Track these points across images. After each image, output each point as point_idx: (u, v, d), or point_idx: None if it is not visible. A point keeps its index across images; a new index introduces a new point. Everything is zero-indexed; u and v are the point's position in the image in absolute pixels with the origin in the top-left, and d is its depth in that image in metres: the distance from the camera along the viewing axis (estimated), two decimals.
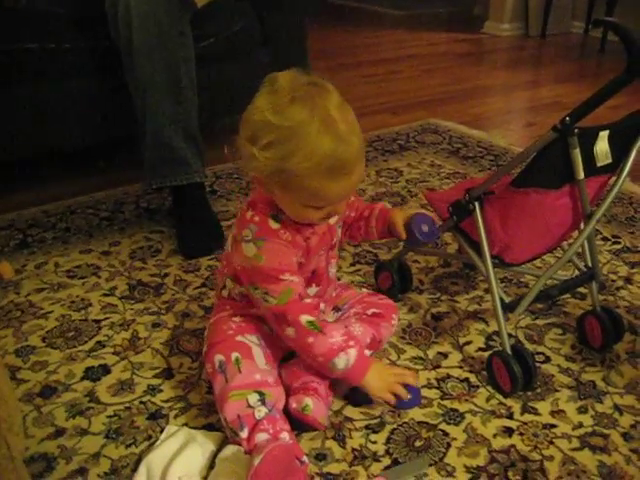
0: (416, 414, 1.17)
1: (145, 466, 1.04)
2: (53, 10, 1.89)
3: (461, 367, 1.29)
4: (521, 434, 1.13)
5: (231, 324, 1.18)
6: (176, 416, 1.17)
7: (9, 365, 1.29)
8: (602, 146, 1.13)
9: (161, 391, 1.23)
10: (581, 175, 1.13)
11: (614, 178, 1.20)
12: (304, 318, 1.09)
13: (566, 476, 1.05)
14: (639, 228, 1.82)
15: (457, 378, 1.26)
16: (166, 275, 1.61)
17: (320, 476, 1.05)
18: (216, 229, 1.76)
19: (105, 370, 1.29)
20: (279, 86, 0.99)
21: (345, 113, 1.00)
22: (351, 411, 1.18)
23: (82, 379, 1.27)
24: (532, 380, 1.21)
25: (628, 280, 1.57)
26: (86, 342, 1.37)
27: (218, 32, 2.06)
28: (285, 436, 1.03)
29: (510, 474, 1.05)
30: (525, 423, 1.15)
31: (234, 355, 1.11)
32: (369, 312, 1.27)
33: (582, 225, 1.24)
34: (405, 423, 1.15)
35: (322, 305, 1.21)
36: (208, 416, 1.16)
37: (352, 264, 1.65)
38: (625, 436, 1.12)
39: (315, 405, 1.11)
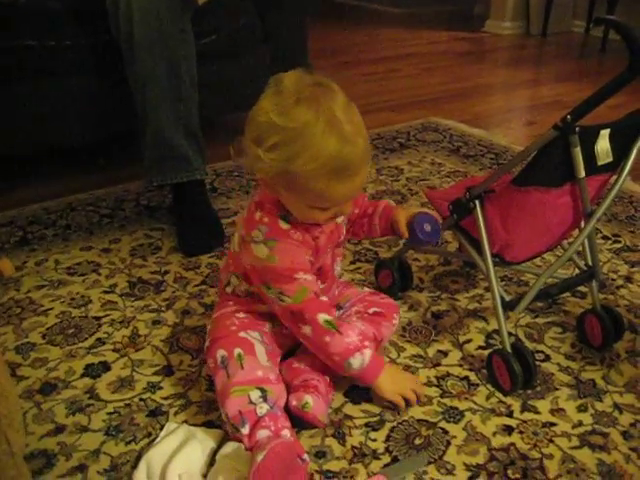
0: (416, 412, 1.17)
1: (145, 463, 1.04)
2: (53, 6, 1.88)
3: (461, 365, 1.29)
4: (521, 432, 1.13)
5: (234, 320, 1.19)
6: (176, 413, 1.17)
7: (9, 362, 1.29)
8: (603, 145, 1.13)
9: (161, 388, 1.23)
10: (582, 174, 1.13)
11: (615, 177, 1.20)
12: (321, 317, 1.10)
13: (565, 474, 1.05)
14: (639, 227, 1.82)
15: (457, 376, 1.26)
16: (166, 272, 1.61)
17: (320, 474, 1.05)
18: (216, 227, 1.76)
19: (105, 367, 1.29)
20: (284, 87, 0.99)
21: (351, 114, 1.01)
22: (351, 409, 1.18)
23: (82, 376, 1.27)
24: (532, 378, 1.21)
25: (628, 279, 1.57)
26: (86, 339, 1.37)
27: (219, 29, 2.06)
28: (286, 433, 1.03)
29: (510, 472, 1.05)
30: (525, 421, 1.15)
31: (237, 351, 1.12)
32: (370, 311, 1.27)
33: (582, 224, 1.24)
34: (405, 421, 1.15)
35: (324, 298, 1.21)
36: (208, 413, 1.16)
37: (352, 262, 1.65)
38: (625, 435, 1.12)
39: (315, 403, 1.11)
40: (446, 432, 1.13)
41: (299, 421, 1.11)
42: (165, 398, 1.21)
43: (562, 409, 1.18)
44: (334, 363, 1.13)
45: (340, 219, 1.17)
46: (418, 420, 1.15)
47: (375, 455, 1.08)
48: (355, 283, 1.51)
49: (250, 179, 2.12)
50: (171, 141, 1.71)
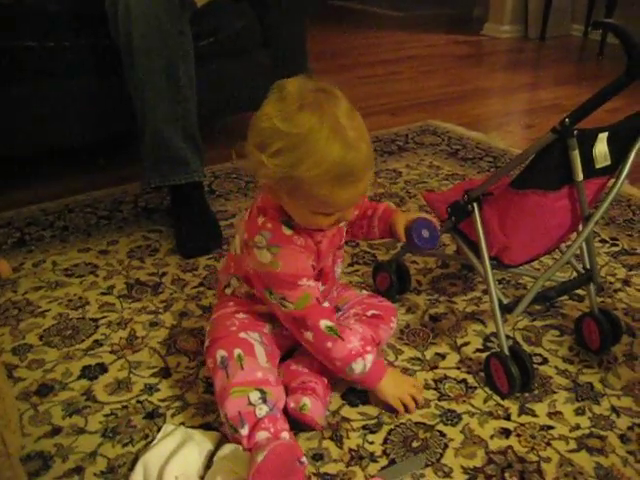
0: (413, 415, 1.17)
1: (142, 465, 1.04)
2: (52, 8, 1.88)
3: (459, 368, 1.29)
4: (518, 435, 1.13)
5: (234, 320, 1.19)
6: (173, 415, 1.17)
7: (6, 363, 1.29)
8: (601, 148, 1.13)
9: (158, 390, 1.23)
10: (580, 177, 1.13)
11: (613, 180, 1.20)
12: (323, 323, 1.10)
13: (563, 477, 1.05)
14: (637, 231, 1.82)
15: (455, 379, 1.26)
16: (164, 274, 1.61)
17: (317, 476, 1.04)
18: (214, 229, 1.76)
19: (102, 369, 1.29)
20: (287, 93, 1.00)
21: (353, 119, 1.01)
22: (348, 411, 1.18)
23: (79, 378, 1.26)
24: (529, 381, 1.20)
25: (626, 282, 1.58)
26: (83, 341, 1.37)
27: (218, 32, 2.06)
28: (286, 436, 1.03)
29: (507, 475, 1.05)
30: (522, 424, 1.15)
31: (236, 351, 1.11)
32: (369, 314, 1.27)
33: (580, 227, 1.24)
34: (402, 424, 1.15)
35: (326, 304, 1.21)
36: (205, 415, 1.16)
37: (350, 264, 1.65)
38: (622, 438, 1.12)
39: (313, 405, 1.11)
40: (444, 435, 1.13)
41: (297, 423, 1.11)
42: (162, 400, 1.20)
43: (560, 412, 1.18)
44: (336, 368, 1.14)
45: (341, 223, 1.17)
46: (416, 423, 1.15)
47: (372, 458, 1.08)
48: (353, 285, 1.51)
49: (248, 181, 2.12)
50: (169, 143, 1.71)
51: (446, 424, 1.15)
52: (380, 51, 4.10)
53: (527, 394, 1.22)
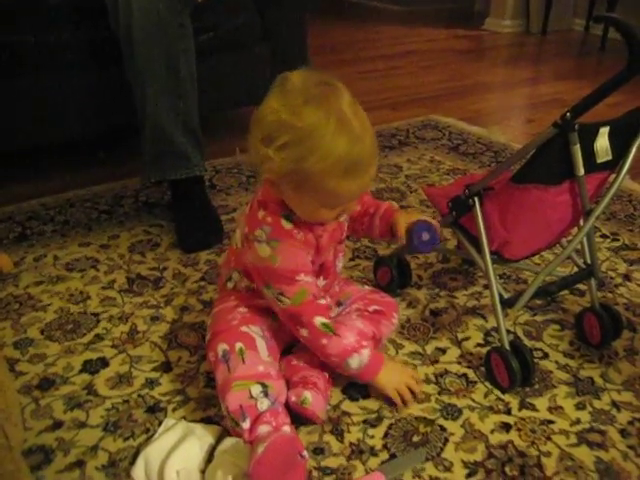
0: (414, 409, 1.17)
1: (143, 459, 1.04)
2: (52, 1, 1.88)
3: (459, 363, 1.29)
4: (519, 430, 1.13)
5: (236, 314, 1.19)
6: (174, 409, 1.17)
7: (7, 357, 1.29)
8: (602, 142, 1.13)
9: (159, 384, 1.23)
10: (581, 171, 1.13)
11: (614, 175, 1.20)
12: (318, 320, 1.10)
13: (563, 472, 1.05)
14: (638, 226, 1.82)
15: (455, 374, 1.26)
16: (165, 269, 1.61)
17: (318, 470, 1.05)
18: (215, 223, 1.76)
19: (103, 363, 1.29)
20: (291, 86, 1.00)
21: (357, 112, 1.02)
22: (349, 406, 1.18)
23: (80, 372, 1.27)
24: (530, 376, 1.21)
25: (627, 277, 1.58)
26: (85, 335, 1.37)
27: (218, 26, 2.06)
28: (287, 429, 1.03)
29: (507, 469, 1.05)
30: (523, 419, 1.15)
31: (238, 345, 1.12)
32: (370, 309, 1.27)
33: (581, 222, 1.24)
34: (403, 418, 1.15)
35: (328, 299, 1.21)
36: (206, 409, 1.16)
37: (351, 259, 1.65)
38: (622, 432, 1.13)
39: (314, 399, 1.11)
40: (444, 429, 1.13)
41: (298, 417, 1.11)
42: (163, 394, 1.21)
43: (560, 407, 1.18)
44: (333, 363, 1.14)
45: (343, 217, 1.17)
46: (416, 417, 1.16)
47: (373, 452, 1.08)
48: (354, 280, 1.51)
49: (249, 176, 2.11)
50: (170, 137, 1.71)
51: (446, 418, 1.15)
52: (380, 46, 4.09)
53: (528, 389, 1.22)
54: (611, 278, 1.57)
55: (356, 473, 1.04)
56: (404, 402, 1.16)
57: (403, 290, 1.51)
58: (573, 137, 1.09)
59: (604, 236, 1.76)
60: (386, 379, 1.15)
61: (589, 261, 1.29)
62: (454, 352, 1.32)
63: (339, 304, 1.30)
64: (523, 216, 1.19)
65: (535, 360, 1.26)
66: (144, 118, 1.70)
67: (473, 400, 1.20)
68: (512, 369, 1.18)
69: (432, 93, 3.10)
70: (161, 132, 1.70)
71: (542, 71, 3.70)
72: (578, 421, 1.15)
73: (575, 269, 1.37)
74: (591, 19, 4.28)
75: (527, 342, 1.34)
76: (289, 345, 1.24)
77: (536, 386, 1.23)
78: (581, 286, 1.48)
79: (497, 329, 1.23)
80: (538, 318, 1.42)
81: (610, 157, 1.16)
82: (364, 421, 1.15)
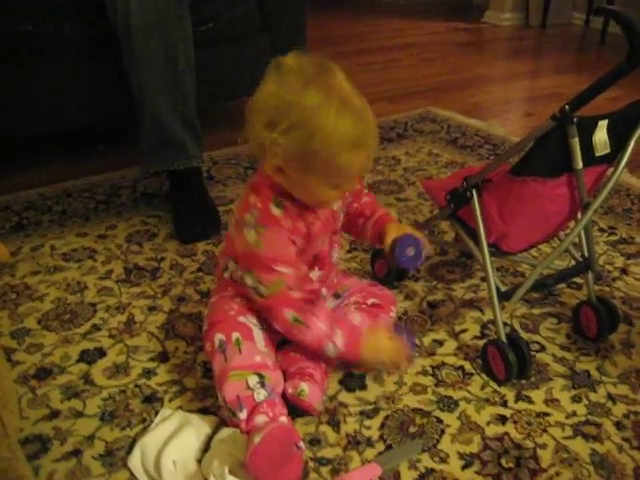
0: (410, 401, 1.17)
1: (139, 449, 1.04)
2: None
3: (456, 355, 1.29)
4: (515, 422, 1.13)
5: (233, 304, 1.18)
6: (171, 399, 1.17)
7: (4, 347, 1.29)
8: (601, 136, 1.13)
9: (156, 374, 1.23)
10: (579, 164, 1.13)
11: (612, 169, 1.19)
12: (288, 314, 1.09)
13: (559, 464, 1.05)
14: (636, 220, 1.82)
15: (452, 366, 1.26)
16: (162, 259, 1.61)
17: (314, 461, 1.05)
18: (213, 214, 1.76)
19: (100, 353, 1.29)
20: (288, 68, 1.00)
21: (354, 88, 1.03)
22: (346, 397, 1.18)
23: (77, 362, 1.27)
24: (526, 369, 1.21)
25: (624, 271, 1.58)
26: (82, 325, 1.37)
27: (217, 17, 2.06)
28: (284, 420, 1.03)
29: (503, 461, 1.06)
30: (519, 411, 1.16)
31: (235, 335, 1.11)
32: (369, 302, 1.27)
33: (579, 215, 1.24)
34: (399, 410, 1.16)
35: (324, 290, 1.21)
36: (203, 400, 1.17)
37: (349, 251, 1.65)
38: (618, 425, 1.13)
39: (311, 390, 1.11)
40: (440, 421, 1.13)
41: (295, 408, 1.11)
42: (160, 384, 1.21)
43: (556, 399, 1.18)
44: (313, 350, 1.14)
45: (337, 205, 1.17)
46: (412, 409, 1.16)
47: (369, 443, 1.09)
48: (352, 272, 1.51)
49: (247, 167, 2.11)
50: (168, 128, 1.71)
51: (443, 410, 1.16)
52: (380, 38, 4.08)
53: (524, 381, 1.22)
54: (608, 272, 1.57)
55: (352, 464, 1.05)
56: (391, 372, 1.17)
57: (400, 282, 1.51)
58: (572, 130, 1.09)
59: (602, 230, 1.76)
60: (368, 358, 1.13)
61: (586, 254, 1.29)
62: (451, 344, 1.32)
63: (337, 296, 1.29)
64: (521, 209, 1.19)
65: (532, 353, 1.27)
66: (142, 109, 1.70)
67: (469, 392, 1.20)
68: (509, 361, 1.18)
69: (431, 86, 3.09)
70: (159, 123, 1.70)
71: (541, 65, 3.69)
72: (574, 414, 1.15)
73: (572, 262, 1.37)
74: (591, 12, 4.27)
75: (524, 335, 1.34)
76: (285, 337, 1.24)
77: (532, 379, 1.23)
78: (578, 279, 1.49)
79: (494, 322, 1.23)
80: (535, 311, 1.42)
81: (608, 150, 1.16)
82: (361, 412, 1.15)
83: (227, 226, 1.68)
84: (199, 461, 1.02)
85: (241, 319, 1.15)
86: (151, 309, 1.42)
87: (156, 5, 1.57)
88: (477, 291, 1.49)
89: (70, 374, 1.23)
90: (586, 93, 1.06)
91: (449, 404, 1.17)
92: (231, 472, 0.96)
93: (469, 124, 2.54)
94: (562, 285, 1.49)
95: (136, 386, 1.20)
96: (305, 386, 1.11)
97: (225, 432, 1.04)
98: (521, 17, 4.48)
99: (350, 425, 1.12)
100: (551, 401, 1.18)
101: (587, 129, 1.12)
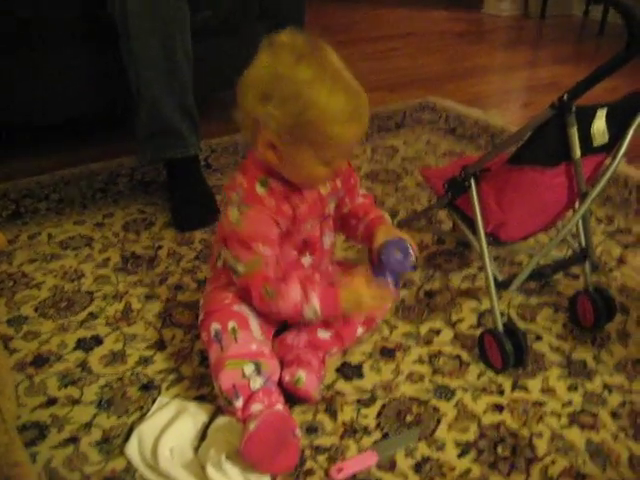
0: (407, 389, 1.18)
1: (137, 437, 1.05)
2: None
3: (453, 344, 1.30)
4: (511, 411, 1.14)
5: (228, 294, 1.18)
6: (168, 387, 1.17)
7: (1, 334, 1.29)
8: (599, 125, 1.13)
9: (153, 363, 1.23)
10: (578, 154, 1.13)
11: (610, 159, 1.19)
12: (263, 289, 1.09)
13: (554, 452, 1.06)
14: (633, 210, 1.82)
15: (449, 355, 1.27)
16: (160, 248, 1.61)
17: (311, 449, 1.05)
18: (210, 203, 1.76)
19: (97, 341, 1.29)
20: (281, 43, 1.02)
21: (345, 66, 1.05)
22: (343, 385, 1.19)
23: (74, 349, 1.27)
24: (523, 358, 1.21)
25: (621, 261, 1.58)
26: (78, 313, 1.37)
27: (215, 5, 2.04)
28: (280, 408, 1.03)
29: (499, 449, 1.06)
30: (515, 400, 1.16)
31: (230, 324, 1.11)
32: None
33: (577, 204, 1.24)
34: (396, 398, 1.16)
35: (317, 276, 1.21)
36: (200, 388, 1.17)
37: (346, 240, 1.64)
38: (613, 414, 1.13)
39: (308, 378, 1.11)
40: (437, 409, 1.14)
41: (291, 396, 1.11)
42: (157, 372, 1.21)
43: (552, 388, 1.19)
44: (294, 319, 1.14)
45: (325, 190, 1.17)
46: (409, 397, 1.16)
47: (366, 431, 1.09)
48: (350, 261, 1.51)
49: (245, 156, 2.10)
50: (165, 117, 1.70)
51: (440, 399, 1.16)
52: (379, 27, 4.07)
53: (520, 370, 1.22)
54: (605, 262, 1.57)
55: (349, 452, 1.05)
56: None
57: None
58: (570, 119, 1.09)
59: (599, 220, 1.76)
60: (353, 307, 1.12)
61: (584, 244, 1.29)
62: (448, 333, 1.32)
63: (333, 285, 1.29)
64: (519, 198, 1.19)
65: (528, 342, 1.27)
66: (140, 98, 1.69)
67: (466, 381, 1.20)
68: (505, 351, 1.18)
69: (430, 75, 3.09)
70: (157, 112, 1.69)
71: (540, 55, 3.68)
72: (570, 403, 1.16)
73: (570, 252, 1.37)
74: (590, 1, 4.25)
75: (521, 324, 1.35)
76: (282, 324, 1.24)
77: (529, 368, 1.23)
78: (575, 269, 1.49)
79: (491, 311, 1.23)
80: (532, 300, 1.43)
81: (607, 140, 1.16)
82: (358, 401, 1.15)
83: None
84: (196, 449, 1.03)
85: (236, 308, 1.15)
86: (148, 297, 1.42)
87: None
88: (474, 280, 1.49)
89: (67, 362, 1.23)
90: (585, 82, 1.06)
91: (446, 393, 1.17)
92: (228, 460, 0.96)
93: (468, 114, 2.53)
94: (559, 275, 1.49)
95: (133, 374, 1.21)
96: (302, 374, 1.11)
97: (222, 420, 1.05)
98: (520, 7, 4.47)
99: (347, 413, 1.12)
100: (547, 390, 1.18)
101: (586, 118, 1.11)
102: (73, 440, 1.06)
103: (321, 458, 1.04)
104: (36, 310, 1.37)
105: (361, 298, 1.11)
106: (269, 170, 1.10)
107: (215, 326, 1.12)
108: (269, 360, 1.09)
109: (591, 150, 1.15)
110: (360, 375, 1.21)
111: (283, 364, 1.15)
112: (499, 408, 1.14)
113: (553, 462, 1.04)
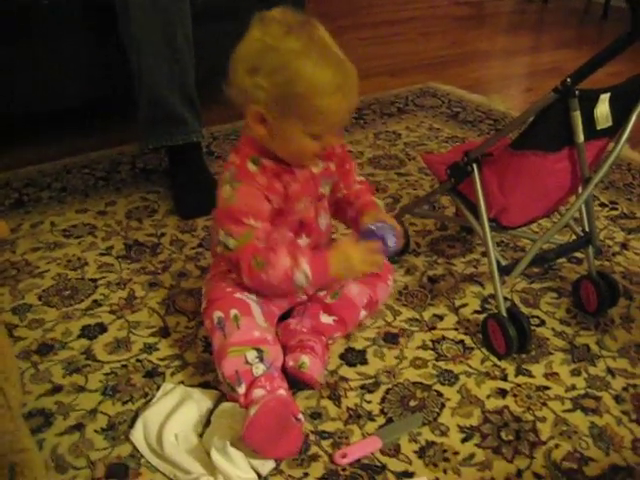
0: (411, 375, 1.18)
1: (142, 423, 1.05)
2: None
3: (456, 329, 1.30)
4: (514, 395, 1.14)
5: (229, 281, 1.18)
6: (172, 374, 1.18)
7: (6, 323, 1.29)
8: (603, 109, 1.12)
9: (157, 349, 1.24)
10: (581, 138, 1.12)
11: (613, 143, 1.19)
12: (253, 261, 1.09)
13: (558, 436, 1.06)
14: (637, 195, 1.81)
15: (452, 340, 1.27)
16: (162, 235, 1.61)
17: (315, 434, 1.06)
18: (213, 190, 1.73)
19: (102, 328, 1.29)
20: (271, 18, 1.03)
21: (335, 44, 1.06)
22: (346, 371, 1.19)
23: (79, 337, 1.27)
24: (527, 343, 1.21)
25: (624, 246, 1.58)
26: (82, 301, 1.37)
27: None
28: (282, 393, 1.03)
29: (503, 434, 1.06)
30: (519, 385, 1.16)
31: (233, 312, 1.11)
32: None
33: (580, 189, 1.23)
34: (400, 383, 1.16)
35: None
36: (204, 374, 1.17)
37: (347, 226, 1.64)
38: (617, 398, 1.14)
39: (312, 362, 1.12)
40: (441, 395, 1.14)
41: (296, 382, 1.12)
42: (162, 359, 1.21)
43: (556, 373, 1.19)
44: (287, 291, 1.14)
45: (317, 169, 1.17)
46: (413, 383, 1.16)
47: (370, 416, 1.09)
48: None
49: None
50: (167, 103, 1.70)
51: (443, 384, 1.16)
52: (381, 12, 4.04)
53: (524, 355, 1.23)
54: (609, 246, 1.57)
55: (353, 437, 1.05)
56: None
57: (401, 257, 1.51)
58: (573, 103, 1.08)
59: (602, 205, 1.76)
60: (343, 270, 1.12)
61: (587, 229, 1.29)
62: (451, 319, 1.33)
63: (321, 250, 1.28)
64: (521, 183, 1.19)
65: (532, 327, 1.27)
66: (140, 84, 1.68)
67: (470, 366, 1.20)
68: (509, 336, 1.18)
69: (432, 60, 3.07)
70: (158, 98, 1.68)
71: (543, 39, 3.66)
72: (573, 387, 1.16)
73: (573, 237, 1.36)
74: None
75: (524, 309, 1.35)
76: (286, 311, 1.25)
77: (532, 353, 1.23)
78: (579, 254, 1.49)
79: (494, 296, 1.23)
80: (535, 285, 1.43)
81: (610, 123, 1.15)
82: (361, 386, 1.16)
83: None
84: (200, 435, 1.03)
85: (238, 295, 1.15)
86: (152, 285, 1.42)
87: None
88: (477, 266, 1.49)
89: (72, 349, 1.24)
90: (588, 65, 1.06)
91: (449, 378, 1.18)
92: (232, 445, 0.96)
93: (470, 99, 2.52)
94: (562, 260, 1.49)
95: (138, 361, 1.21)
96: (306, 358, 1.12)
97: (225, 406, 1.05)
98: None
99: (351, 399, 1.13)
100: (551, 375, 1.19)
101: (589, 102, 1.11)
102: (79, 427, 1.07)
103: (325, 443, 1.04)
104: (40, 298, 1.38)
105: (350, 260, 1.11)
106: (261, 149, 1.11)
107: (217, 314, 1.12)
108: (272, 346, 1.09)
109: (594, 134, 1.15)
110: (364, 361, 1.21)
111: (287, 350, 1.16)
112: (503, 393, 1.14)
113: (557, 446, 1.04)
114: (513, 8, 4.25)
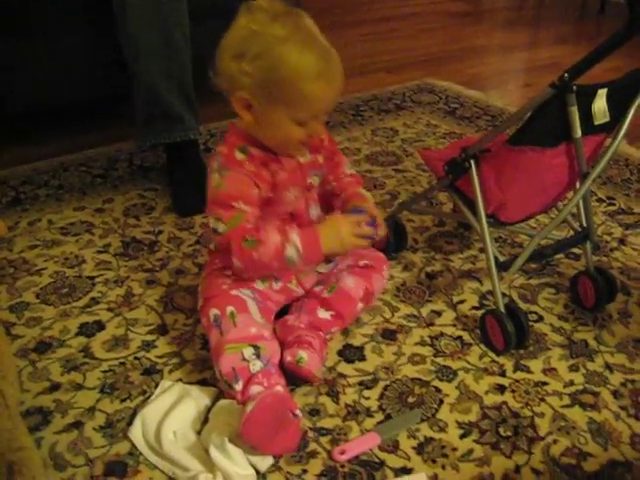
0: (409, 371, 1.18)
1: (140, 420, 1.05)
2: None
3: (455, 325, 1.30)
4: (513, 391, 1.14)
5: (225, 278, 1.18)
6: (170, 371, 1.18)
7: (3, 321, 1.29)
8: (600, 104, 1.12)
9: (155, 347, 1.24)
10: (578, 133, 1.12)
11: (611, 139, 1.19)
12: (242, 243, 1.09)
13: (556, 432, 1.06)
14: (634, 190, 1.81)
15: (450, 336, 1.27)
16: (160, 232, 1.61)
17: (313, 430, 1.06)
18: None
19: (99, 326, 1.29)
20: (258, 6, 1.05)
21: (321, 33, 1.07)
22: (345, 367, 1.19)
23: (77, 335, 1.27)
24: (525, 338, 1.21)
25: (622, 241, 1.58)
26: (80, 298, 1.37)
27: None
28: (279, 389, 1.03)
29: (501, 430, 1.06)
30: (517, 380, 1.16)
31: (229, 309, 1.11)
32: (361, 263, 1.27)
33: (578, 185, 1.23)
34: (398, 380, 1.16)
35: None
36: (202, 371, 1.17)
37: None
38: (615, 394, 1.14)
39: (310, 358, 1.12)
40: (439, 390, 1.14)
41: (294, 378, 1.12)
42: (159, 357, 1.21)
43: (554, 369, 1.19)
44: (280, 269, 1.13)
45: (305, 158, 1.18)
46: (411, 379, 1.16)
47: (368, 413, 1.09)
48: None
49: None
50: (164, 101, 1.70)
51: (442, 380, 1.16)
52: (379, 8, 4.03)
53: (522, 351, 1.23)
54: (606, 242, 1.57)
55: (352, 434, 1.05)
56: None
57: (399, 253, 1.51)
58: (570, 98, 1.08)
59: (600, 200, 1.76)
60: (334, 244, 1.12)
61: (585, 225, 1.29)
62: (449, 315, 1.33)
63: (329, 261, 1.28)
64: (519, 178, 1.18)
65: (530, 323, 1.27)
66: (138, 82, 1.68)
67: (468, 362, 1.20)
68: (507, 332, 1.18)
69: (429, 56, 3.07)
70: (155, 95, 1.68)
71: (540, 35, 3.66)
72: (571, 383, 1.16)
73: (571, 233, 1.36)
74: None
75: (522, 305, 1.35)
76: (284, 307, 1.25)
77: (530, 348, 1.23)
78: (576, 250, 1.49)
79: (492, 292, 1.23)
80: (533, 281, 1.43)
81: (608, 119, 1.15)
82: (360, 383, 1.15)
83: None
84: (199, 432, 1.03)
85: (234, 292, 1.15)
86: (149, 282, 1.42)
87: None
88: (475, 262, 1.49)
89: (70, 347, 1.24)
90: (586, 60, 1.06)
91: (448, 374, 1.18)
92: (231, 442, 0.96)
93: (467, 95, 2.52)
94: (560, 255, 1.49)
95: (135, 358, 1.21)
96: (304, 354, 1.12)
97: (223, 403, 1.05)
98: None
99: (349, 395, 1.13)
100: (549, 370, 1.19)
101: (586, 97, 1.11)
102: (77, 425, 1.07)
103: (324, 440, 1.04)
104: (37, 296, 1.38)
105: (340, 232, 1.12)
106: (248, 138, 1.12)
107: (214, 311, 1.12)
108: (269, 343, 1.09)
109: (592, 129, 1.15)
110: (362, 357, 1.21)
111: (284, 345, 1.16)
112: (501, 389, 1.14)
113: (555, 442, 1.04)
114: (510, 4, 4.24)
